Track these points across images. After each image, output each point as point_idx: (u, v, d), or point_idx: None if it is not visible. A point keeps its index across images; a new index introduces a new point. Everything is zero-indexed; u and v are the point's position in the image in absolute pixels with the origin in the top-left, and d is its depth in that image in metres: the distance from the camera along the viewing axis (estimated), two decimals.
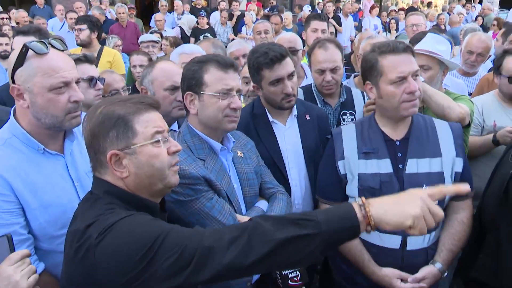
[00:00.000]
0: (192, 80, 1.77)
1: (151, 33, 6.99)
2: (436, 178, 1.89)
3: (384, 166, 1.91)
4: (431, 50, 2.50)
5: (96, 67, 4.44)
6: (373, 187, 1.88)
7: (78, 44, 4.87)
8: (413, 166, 1.90)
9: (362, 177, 1.91)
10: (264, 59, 2.11)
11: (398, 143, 1.96)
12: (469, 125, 2.41)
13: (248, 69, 2.27)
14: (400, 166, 1.91)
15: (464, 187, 1.22)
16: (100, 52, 4.80)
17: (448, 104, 2.27)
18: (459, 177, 1.94)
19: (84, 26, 4.77)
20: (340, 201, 2.02)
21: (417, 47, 2.60)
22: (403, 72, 1.83)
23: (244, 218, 1.76)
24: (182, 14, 10.29)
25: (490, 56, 3.93)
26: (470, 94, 3.62)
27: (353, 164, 1.94)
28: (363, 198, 1.21)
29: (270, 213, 1.86)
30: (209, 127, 1.81)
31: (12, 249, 1.31)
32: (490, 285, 2.01)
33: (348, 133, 2.03)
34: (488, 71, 3.91)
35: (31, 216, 1.58)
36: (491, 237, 2.03)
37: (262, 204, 1.93)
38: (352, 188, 1.94)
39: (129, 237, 1.15)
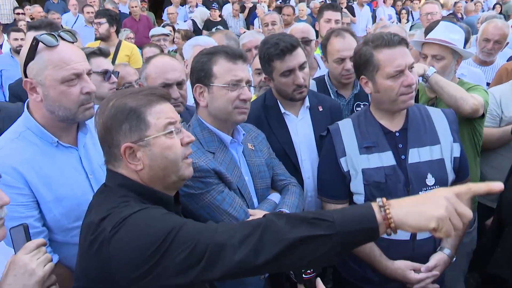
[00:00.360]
0: (201, 72, 1.76)
1: (163, 26, 6.99)
2: (437, 165, 1.91)
3: (386, 158, 1.90)
4: (444, 39, 2.44)
5: (115, 60, 4.51)
6: (378, 181, 1.88)
7: (97, 38, 4.91)
8: (415, 155, 1.90)
9: (366, 172, 1.90)
10: (274, 50, 2.08)
11: (397, 134, 1.95)
12: (483, 115, 2.36)
13: (259, 60, 2.25)
14: (402, 157, 1.91)
15: (498, 186, 1.11)
16: (118, 46, 4.82)
17: (461, 95, 2.24)
18: (458, 162, 1.96)
19: (104, 20, 4.81)
20: (344, 199, 2.01)
21: (430, 36, 2.54)
22: (400, 65, 1.81)
23: (255, 212, 1.75)
24: (196, 7, 10.26)
25: (507, 43, 3.83)
26: (488, 84, 3.54)
27: (355, 160, 1.93)
28: (384, 199, 1.12)
29: (282, 205, 1.85)
30: (219, 119, 1.79)
31: (28, 238, 1.32)
32: (508, 280, 1.97)
33: (346, 129, 2.00)
34: (508, 60, 3.80)
35: (46, 208, 1.59)
36: (510, 231, 1.99)
37: (275, 197, 1.92)
38: (356, 184, 1.93)
39: (142, 230, 1.14)
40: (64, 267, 1.65)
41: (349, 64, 2.54)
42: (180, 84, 2.23)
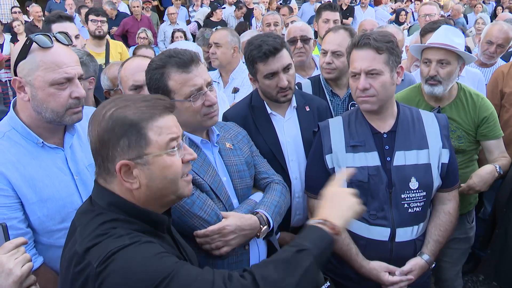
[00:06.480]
0: (158, 90, 1.69)
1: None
2: (423, 170, 1.91)
3: (371, 159, 1.91)
4: (449, 43, 2.32)
5: (108, 58, 4.50)
6: (361, 180, 1.88)
7: (99, 36, 4.72)
8: (401, 158, 1.90)
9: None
10: (257, 52, 2.05)
11: (385, 135, 1.95)
12: None
13: (244, 60, 2.22)
14: (388, 158, 1.91)
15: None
16: (107, 45, 4.79)
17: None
18: (446, 168, 1.95)
19: (105, 19, 4.82)
20: None
21: (432, 40, 2.41)
22: (355, 68, 1.87)
23: (228, 214, 1.72)
24: (201, 7, 10.26)
25: (511, 47, 3.76)
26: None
27: (341, 158, 1.94)
28: (316, 217, 1.35)
29: (259, 205, 1.80)
30: (190, 128, 1.75)
31: (7, 238, 1.31)
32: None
33: (335, 126, 2.01)
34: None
35: (30, 210, 1.58)
36: (499, 234, 1.97)
37: (257, 196, 1.89)
38: None
39: (133, 274, 1.07)
40: (49, 270, 1.63)
41: (329, 58, 2.55)
42: None
